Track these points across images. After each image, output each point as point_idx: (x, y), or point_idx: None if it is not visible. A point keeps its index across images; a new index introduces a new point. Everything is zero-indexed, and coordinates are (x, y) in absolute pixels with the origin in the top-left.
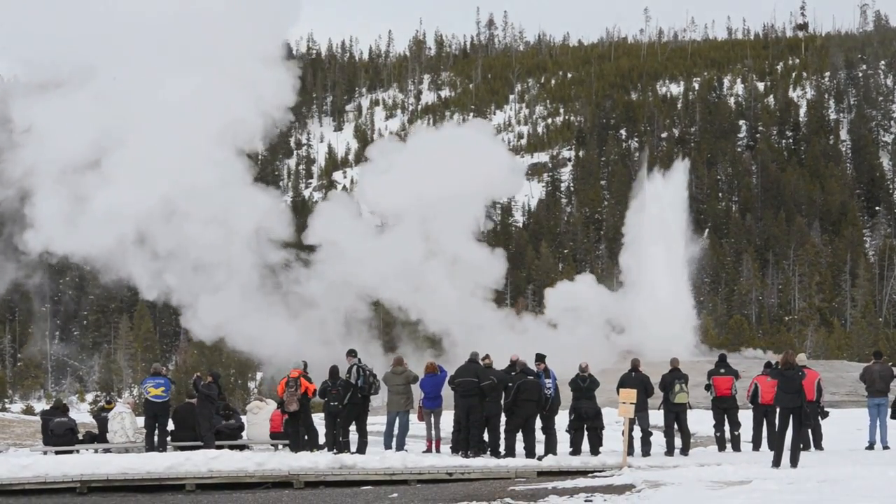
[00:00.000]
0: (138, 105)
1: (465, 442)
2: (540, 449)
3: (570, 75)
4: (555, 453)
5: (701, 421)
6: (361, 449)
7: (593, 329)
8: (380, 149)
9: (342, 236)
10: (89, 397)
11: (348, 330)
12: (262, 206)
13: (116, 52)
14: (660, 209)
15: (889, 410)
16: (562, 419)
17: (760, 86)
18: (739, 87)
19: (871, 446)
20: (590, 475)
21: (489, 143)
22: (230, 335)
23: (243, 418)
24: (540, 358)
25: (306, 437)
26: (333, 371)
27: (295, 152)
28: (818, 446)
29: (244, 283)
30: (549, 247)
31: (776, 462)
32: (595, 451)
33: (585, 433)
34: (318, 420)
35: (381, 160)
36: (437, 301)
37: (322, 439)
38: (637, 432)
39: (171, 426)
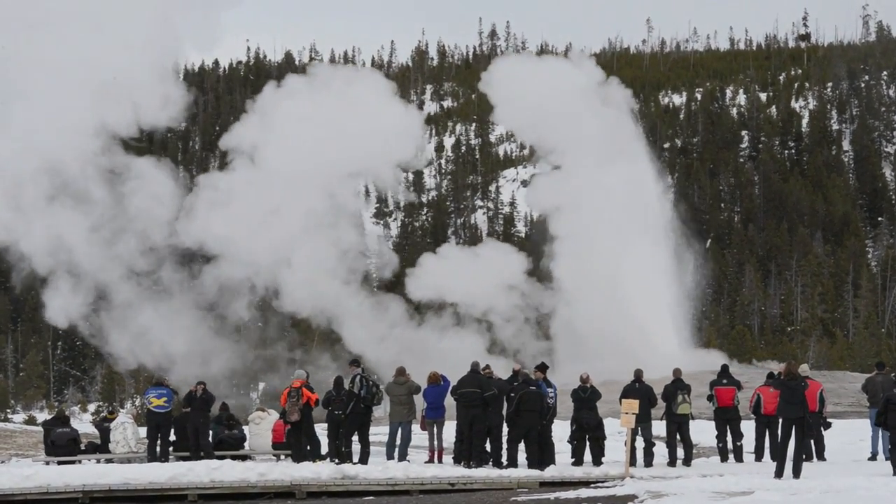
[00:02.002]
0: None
1: (468, 452)
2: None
3: None
4: (553, 463)
5: (703, 431)
6: (364, 459)
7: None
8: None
9: (218, 225)
10: (91, 407)
11: (225, 332)
12: (147, 189)
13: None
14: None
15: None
16: (563, 430)
17: (763, 96)
18: (742, 98)
19: (873, 457)
20: (592, 486)
21: (374, 102)
22: (84, 326)
23: (245, 428)
24: (541, 368)
25: (308, 448)
26: (338, 381)
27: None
28: (821, 457)
29: (113, 271)
30: None
31: (779, 473)
32: (597, 461)
33: (587, 443)
34: (321, 430)
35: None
36: (308, 289)
37: (324, 449)
38: (639, 443)
39: (172, 436)
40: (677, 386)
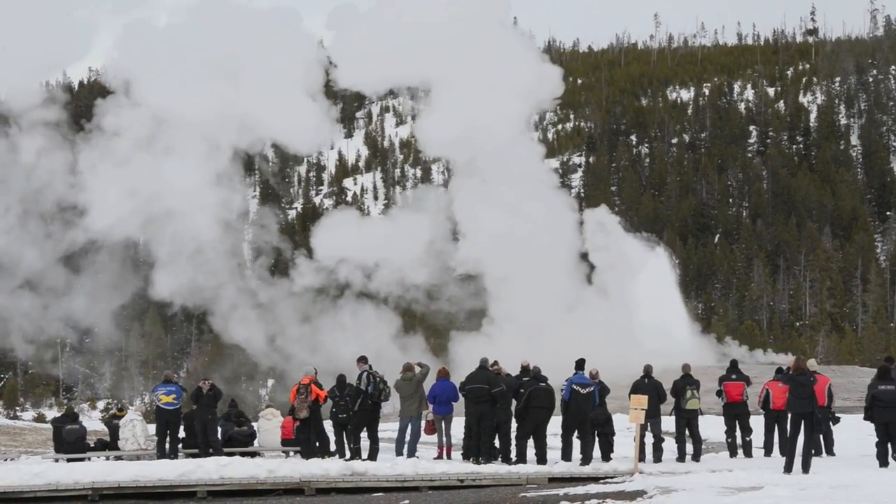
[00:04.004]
0: None
1: (477, 448)
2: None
3: (580, 81)
4: (569, 459)
5: (712, 427)
6: (373, 456)
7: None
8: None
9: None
10: (101, 405)
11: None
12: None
13: None
14: None
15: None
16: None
17: (771, 91)
18: (749, 93)
19: None
20: (601, 481)
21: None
22: None
23: (255, 425)
24: (579, 364)
25: (317, 444)
26: (340, 379)
27: (305, 160)
28: (830, 452)
29: None
30: None
31: (788, 468)
32: (606, 457)
33: (596, 439)
34: (329, 427)
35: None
36: (178, 276)
37: (333, 446)
38: (649, 438)
39: (182, 433)
40: (686, 381)
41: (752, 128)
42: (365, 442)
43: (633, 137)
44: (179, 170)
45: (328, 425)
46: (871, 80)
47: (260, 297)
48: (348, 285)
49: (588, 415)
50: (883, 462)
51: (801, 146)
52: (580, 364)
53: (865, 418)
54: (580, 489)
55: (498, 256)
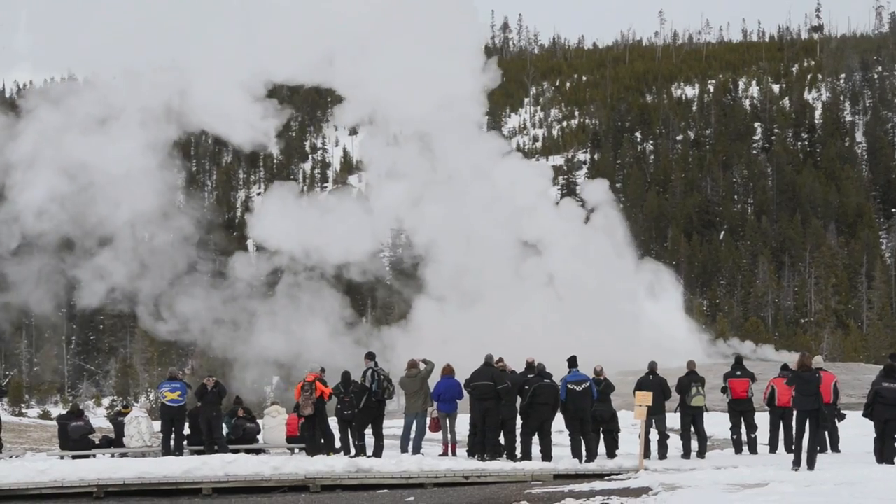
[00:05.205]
0: None
1: (481, 445)
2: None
3: (584, 78)
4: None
5: (717, 423)
6: (378, 452)
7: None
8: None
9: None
10: (106, 402)
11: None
12: None
13: None
14: None
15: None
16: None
17: (776, 88)
18: (755, 90)
19: None
20: (606, 478)
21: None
22: None
23: (259, 422)
24: (572, 362)
25: (322, 441)
26: (346, 376)
27: (310, 156)
28: (835, 449)
29: None
30: None
31: (796, 464)
32: (611, 454)
33: (601, 436)
34: (335, 424)
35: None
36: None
37: (338, 443)
38: (654, 435)
39: (187, 430)
40: (691, 378)
41: (756, 124)
42: (370, 439)
43: (638, 134)
44: (110, 156)
45: (333, 422)
46: (876, 76)
47: (197, 290)
48: (288, 271)
49: (588, 412)
50: (880, 459)
51: (806, 143)
52: (572, 361)
53: (864, 415)
54: (585, 486)
55: (423, 238)
